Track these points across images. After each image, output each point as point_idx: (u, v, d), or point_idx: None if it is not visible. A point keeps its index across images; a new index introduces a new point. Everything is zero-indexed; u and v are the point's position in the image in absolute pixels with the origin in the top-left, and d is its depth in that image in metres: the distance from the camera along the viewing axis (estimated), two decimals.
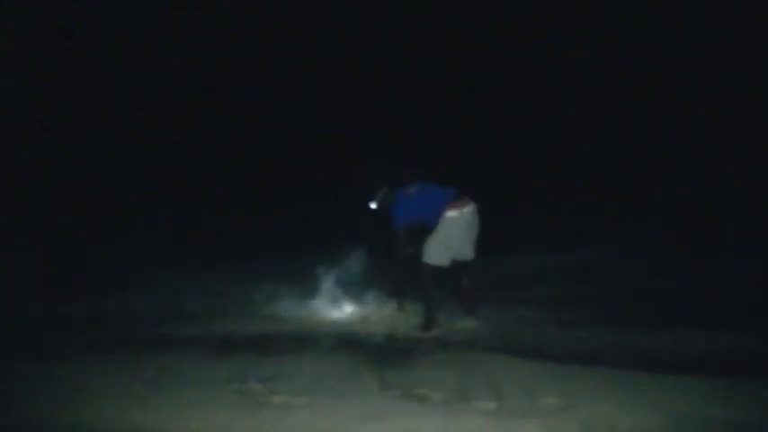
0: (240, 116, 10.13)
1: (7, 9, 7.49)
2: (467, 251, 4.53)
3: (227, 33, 10.23)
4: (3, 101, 7.45)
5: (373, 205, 4.61)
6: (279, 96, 10.30)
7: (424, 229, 4.46)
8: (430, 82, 10.77)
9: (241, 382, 3.18)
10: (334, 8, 10.58)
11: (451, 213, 4.38)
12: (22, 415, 2.84)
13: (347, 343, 4.09)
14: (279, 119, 10.40)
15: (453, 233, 4.40)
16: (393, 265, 4.62)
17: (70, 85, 8.80)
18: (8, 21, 7.53)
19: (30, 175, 7.87)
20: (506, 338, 4.13)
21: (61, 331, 4.45)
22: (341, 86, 10.44)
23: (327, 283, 5.09)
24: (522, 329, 4.39)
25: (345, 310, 5.04)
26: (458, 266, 4.57)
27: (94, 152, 9.12)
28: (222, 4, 10.32)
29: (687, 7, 9.53)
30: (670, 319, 4.52)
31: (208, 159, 9.74)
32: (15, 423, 2.77)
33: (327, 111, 10.34)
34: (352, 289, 5.11)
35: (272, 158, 9.97)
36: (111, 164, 9.14)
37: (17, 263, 6.09)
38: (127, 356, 3.69)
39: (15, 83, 7.55)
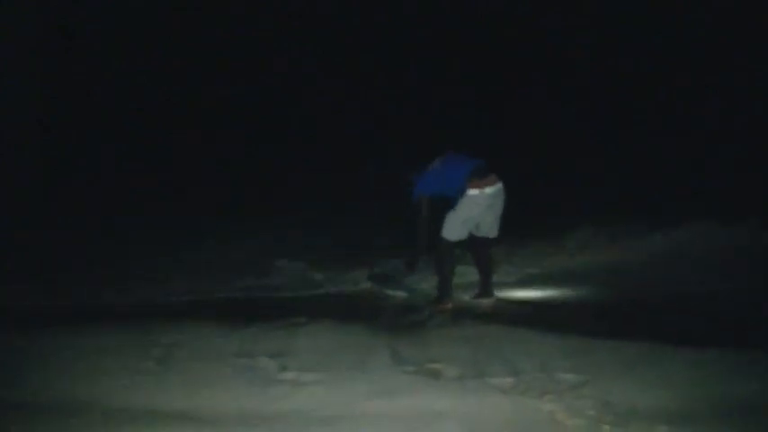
0: (240, 116, 10.12)
1: (7, 9, 7.50)
2: (489, 228, 4.49)
3: (227, 33, 10.22)
4: (3, 101, 7.46)
5: (413, 179, 4.59)
6: (279, 96, 10.28)
7: (445, 200, 4.44)
8: (430, 82, 10.76)
9: (252, 358, 3.15)
10: (334, 8, 10.57)
11: (472, 192, 4.30)
12: (31, 391, 2.82)
13: (360, 315, 4.05)
14: (279, 119, 10.39)
15: (473, 211, 4.35)
16: (410, 231, 4.60)
17: (70, 85, 8.80)
18: (8, 21, 7.54)
19: (30, 175, 7.88)
20: (522, 314, 4.11)
21: (67, 309, 4.39)
22: (341, 86, 10.43)
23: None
24: (537, 305, 4.37)
25: (362, 282, 5.07)
26: (479, 242, 4.55)
27: (94, 152, 9.11)
28: (222, 4, 10.31)
29: (687, 7, 9.54)
30: (682, 295, 4.50)
31: (207, 159, 9.73)
32: (25, 400, 2.74)
33: (327, 111, 10.33)
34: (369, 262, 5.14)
35: (271, 158, 9.95)
36: (112, 164, 9.13)
37: (17, 260, 6.09)
38: (137, 331, 3.62)
39: (15, 83, 7.57)
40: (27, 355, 3.28)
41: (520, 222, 5.04)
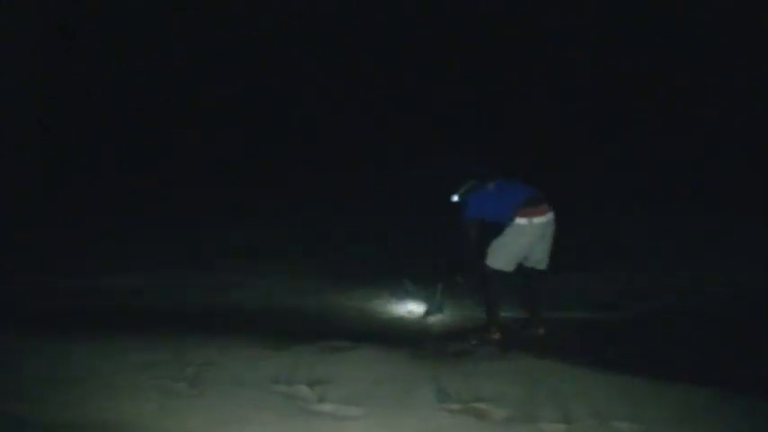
0: (240, 116, 10.11)
1: (7, 9, 7.50)
2: (539, 259, 4.33)
3: (227, 33, 10.21)
4: (3, 101, 7.46)
5: (455, 198, 4.41)
6: (279, 96, 10.28)
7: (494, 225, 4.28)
8: (430, 82, 10.75)
9: (289, 385, 3.00)
10: (334, 8, 10.57)
11: (521, 221, 4.13)
12: (55, 412, 2.69)
13: (405, 343, 3.89)
14: (279, 119, 10.38)
15: (521, 241, 4.18)
16: (455, 254, 4.49)
17: (70, 85, 8.79)
18: (8, 21, 7.54)
19: (30, 175, 7.88)
20: (575, 348, 3.94)
21: (95, 322, 4.20)
22: (341, 86, 10.42)
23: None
24: (590, 341, 4.18)
25: (407, 305, 4.94)
26: (528, 272, 4.40)
27: (94, 152, 9.11)
28: (222, 4, 10.30)
29: (687, 7, 9.54)
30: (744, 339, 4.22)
31: (207, 159, 9.73)
32: (48, 421, 2.62)
33: (327, 111, 10.33)
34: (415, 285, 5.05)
35: (271, 158, 9.95)
36: (112, 164, 9.12)
37: (17, 260, 6.09)
38: (170, 348, 3.45)
39: (15, 83, 7.56)
40: (48, 374, 3.09)
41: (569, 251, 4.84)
